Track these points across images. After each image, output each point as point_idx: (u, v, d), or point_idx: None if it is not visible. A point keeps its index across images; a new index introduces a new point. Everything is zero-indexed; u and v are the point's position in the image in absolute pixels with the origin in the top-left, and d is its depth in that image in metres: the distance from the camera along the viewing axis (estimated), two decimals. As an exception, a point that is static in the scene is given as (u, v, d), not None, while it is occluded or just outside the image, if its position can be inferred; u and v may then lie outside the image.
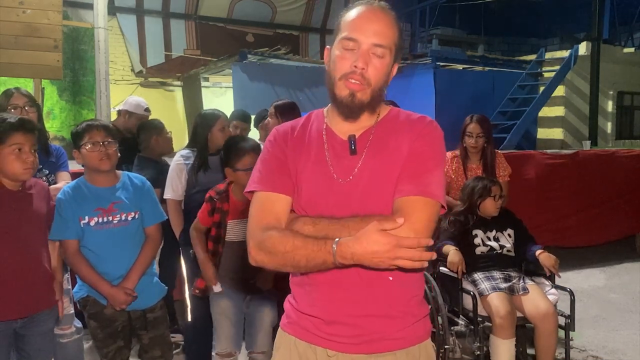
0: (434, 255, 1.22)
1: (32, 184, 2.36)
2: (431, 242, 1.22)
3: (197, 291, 2.76)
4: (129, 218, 2.50)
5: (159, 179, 3.23)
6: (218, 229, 2.71)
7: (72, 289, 2.91)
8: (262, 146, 1.65)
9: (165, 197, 3.18)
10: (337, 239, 1.24)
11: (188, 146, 3.32)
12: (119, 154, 2.53)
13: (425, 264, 1.21)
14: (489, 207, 3.27)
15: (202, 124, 3.26)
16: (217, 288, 2.69)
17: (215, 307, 2.73)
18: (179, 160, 3.21)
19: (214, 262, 2.72)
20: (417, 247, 1.19)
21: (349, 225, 1.29)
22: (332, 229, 1.30)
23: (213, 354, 2.72)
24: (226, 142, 2.88)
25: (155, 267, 2.75)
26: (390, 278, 1.37)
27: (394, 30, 1.38)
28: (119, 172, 2.59)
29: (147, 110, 4.33)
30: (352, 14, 1.38)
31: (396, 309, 1.40)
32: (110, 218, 2.47)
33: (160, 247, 2.71)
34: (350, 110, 1.38)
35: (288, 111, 3.48)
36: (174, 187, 3.18)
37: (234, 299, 2.71)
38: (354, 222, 1.29)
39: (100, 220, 2.45)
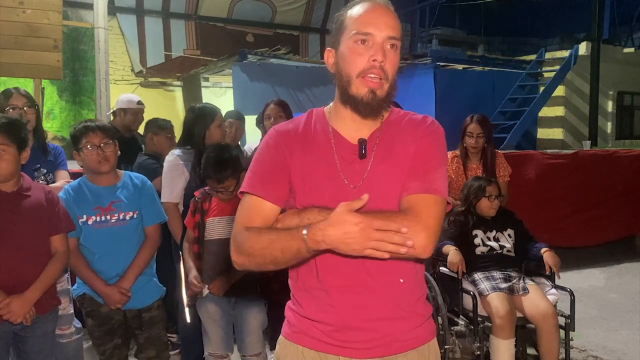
0: (408, 244, 1.15)
1: (30, 186, 2.34)
2: (405, 230, 1.16)
3: (187, 299, 2.76)
4: (127, 218, 2.51)
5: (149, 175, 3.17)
6: (198, 230, 2.68)
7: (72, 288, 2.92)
8: None
9: (162, 200, 3.01)
10: (308, 225, 1.23)
11: (181, 144, 3.17)
12: (119, 152, 2.53)
13: (404, 250, 1.16)
14: (484, 207, 3.27)
15: (200, 121, 3.10)
16: (204, 292, 2.65)
17: (202, 311, 2.71)
18: (176, 162, 3.06)
19: (198, 266, 2.68)
20: (388, 229, 1.15)
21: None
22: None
23: (206, 353, 2.72)
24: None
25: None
26: (401, 280, 1.37)
27: (399, 23, 1.37)
28: (120, 171, 2.59)
29: (140, 103, 4.34)
30: (358, 10, 1.35)
31: (405, 310, 1.39)
32: (108, 217, 2.48)
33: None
34: (370, 108, 1.35)
35: (287, 106, 3.52)
36: (171, 189, 3.04)
37: (219, 302, 2.67)
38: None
39: (98, 219, 2.46)
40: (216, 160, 2.59)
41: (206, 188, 2.74)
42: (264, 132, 3.73)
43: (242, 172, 2.63)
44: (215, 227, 2.66)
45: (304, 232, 1.22)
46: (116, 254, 2.49)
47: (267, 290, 2.69)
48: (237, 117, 4.17)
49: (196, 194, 2.75)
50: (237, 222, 1.38)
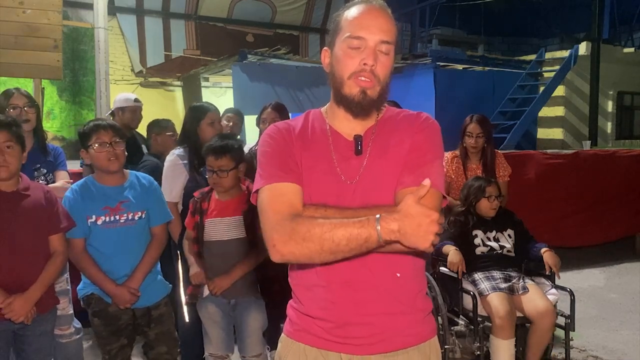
0: (441, 230, 1.20)
1: (28, 185, 2.34)
2: (442, 219, 1.19)
3: (187, 297, 2.76)
4: (136, 217, 2.50)
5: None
6: (198, 230, 2.68)
7: (72, 289, 2.92)
8: None
9: None
10: (377, 216, 1.18)
11: (180, 143, 3.19)
12: (126, 153, 2.53)
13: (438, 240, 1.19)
14: (484, 207, 3.27)
15: (191, 118, 3.14)
16: (205, 292, 2.65)
17: (202, 312, 2.71)
18: (176, 161, 3.07)
19: (201, 264, 2.69)
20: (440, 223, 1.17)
21: (359, 213, 1.26)
22: (345, 215, 1.27)
23: (206, 354, 2.72)
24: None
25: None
26: (398, 274, 1.37)
27: (395, 27, 1.38)
28: (126, 171, 2.59)
29: (137, 100, 4.34)
30: (352, 12, 1.37)
31: (406, 304, 1.40)
32: (117, 217, 2.47)
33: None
34: (361, 107, 1.37)
35: (284, 110, 3.53)
36: (171, 189, 3.05)
37: (219, 304, 2.67)
38: (364, 211, 1.27)
39: (108, 219, 2.45)
40: (217, 140, 2.66)
41: (205, 190, 2.74)
42: (261, 134, 3.74)
43: (242, 164, 2.65)
44: (215, 229, 2.66)
45: (377, 224, 1.17)
46: (125, 254, 2.48)
47: (268, 291, 2.68)
48: (236, 113, 4.19)
49: (195, 194, 2.75)
50: (269, 212, 1.31)
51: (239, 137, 4.52)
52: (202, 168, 3.02)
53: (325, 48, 1.44)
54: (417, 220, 1.14)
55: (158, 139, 3.75)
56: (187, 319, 3.02)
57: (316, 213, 1.31)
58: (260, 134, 3.73)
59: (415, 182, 1.31)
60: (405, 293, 1.40)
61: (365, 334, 1.37)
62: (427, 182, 1.18)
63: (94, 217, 2.44)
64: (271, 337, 3.09)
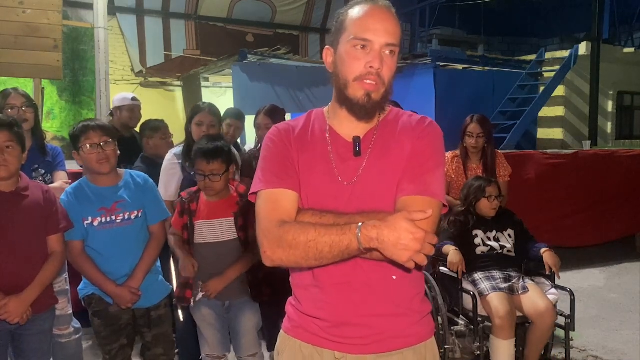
0: (432, 251, 1.20)
1: (27, 185, 2.34)
2: (436, 240, 1.20)
3: (175, 300, 2.74)
4: (132, 217, 2.50)
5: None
6: (187, 232, 2.65)
7: (71, 289, 2.92)
8: None
9: None
10: (360, 223, 1.20)
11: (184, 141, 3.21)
12: (118, 152, 2.51)
13: (425, 261, 1.20)
14: (484, 207, 3.27)
15: (188, 117, 3.19)
16: (198, 295, 2.63)
17: (197, 314, 2.69)
18: (172, 159, 3.10)
19: (192, 258, 2.63)
20: (432, 243, 1.18)
21: (355, 219, 1.27)
22: (339, 221, 1.28)
23: (203, 355, 2.71)
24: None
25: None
26: (394, 277, 1.37)
27: (400, 28, 1.38)
28: (120, 170, 2.57)
29: (135, 99, 4.33)
30: (358, 12, 1.36)
31: (402, 306, 1.40)
32: (114, 217, 2.46)
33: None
34: (365, 110, 1.37)
35: (278, 113, 3.50)
36: (166, 187, 3.06)
37: (212, 306, 2.65)
38: (361, 217, 1.27)
39: (104, 220, 2.44)
40: (207, 143, 2.61)
41: (192, 190, 2.71)
42: (257, 138, 3.71)
43: (232, 165, 2.63)
44: (205, 231, 2.63)
45: (358, 231, 1.20)
46: (124, 254, 2.47)
47: (258, 293, 2.67)
48: (236, 117, 4.16)
49: (183, 194, 2.72)
50: (263, 218, 1.34)
51: (238, 139, 4.51)
52: (192, 172, 2.96)
53: (327, 47, 1.43)
54: (398, 234, 1.15)
55: (150, 143, 3.73)
56: (181, 317, 3.02)
57: (312, 219, 1.32)
58: (257, 138, 3.73)
59: (416, 191, 1.33)
60: (402, 295, 1.41)
61: (360, 335, 1.38)
62: (429, 212, 1.21)
63: (90, 218, 2.43)
64: (271, 338, 3.09)
